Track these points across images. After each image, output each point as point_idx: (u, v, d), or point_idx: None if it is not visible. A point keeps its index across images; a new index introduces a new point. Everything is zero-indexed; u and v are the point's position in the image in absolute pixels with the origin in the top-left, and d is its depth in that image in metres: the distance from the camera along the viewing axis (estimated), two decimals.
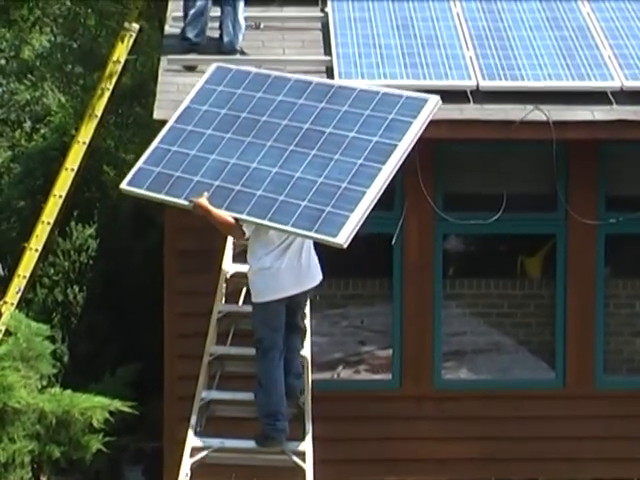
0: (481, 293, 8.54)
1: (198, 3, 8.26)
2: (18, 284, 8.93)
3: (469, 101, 7.98)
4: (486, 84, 8.03)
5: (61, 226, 10.09)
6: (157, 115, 7.80)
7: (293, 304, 6.53)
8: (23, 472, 8.39)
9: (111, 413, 8.45)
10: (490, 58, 8.24)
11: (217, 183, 6.30)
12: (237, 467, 6.81)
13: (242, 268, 6.95)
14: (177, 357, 8.11)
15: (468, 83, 8.03)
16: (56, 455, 8.40)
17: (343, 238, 5.74)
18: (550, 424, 8.29)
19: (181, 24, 8.53)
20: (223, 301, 7.17)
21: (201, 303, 7.55)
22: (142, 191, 6.61)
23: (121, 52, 9.22)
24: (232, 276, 7.28)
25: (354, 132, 6.12)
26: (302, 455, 6.43)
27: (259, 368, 6.47)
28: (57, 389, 8.74)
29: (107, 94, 9.19)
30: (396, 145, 5.95)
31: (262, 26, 8.87)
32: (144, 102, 12.43)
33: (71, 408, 8.28)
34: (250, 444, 6.50)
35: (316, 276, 6.54)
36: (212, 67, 7.02)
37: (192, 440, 6.46)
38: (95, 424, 8.33)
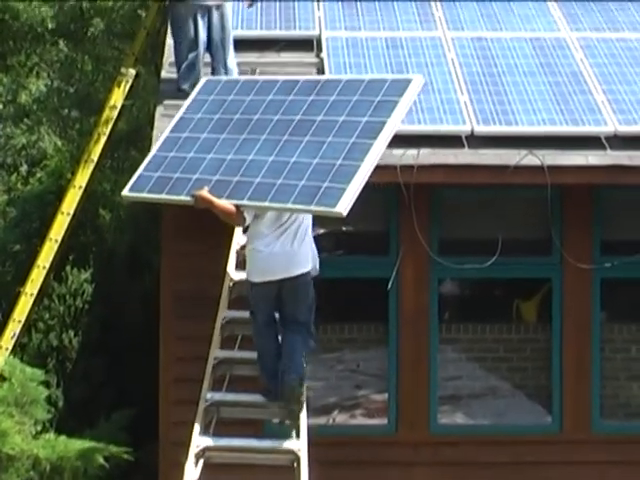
0: (477, 337, 8.54)
1: (190, 55, 8.29)
2: (13, 329, 8.90)
3: (464, 146, 8.03)
4: (481, 129, 8.08)
5: (56, 270, 10.06)
6: None
7: (285, 293, 6.63)
8: None
9: (106, 458, 8.39)
10: (484, 103, 8.30)
11: (216, 177, 6.50)
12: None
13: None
14: (172, 402, 8.08)
15: (463, 128, 8.08)
16: None
17: (342, 207, 5.91)
18: (547, 469, 8.25)
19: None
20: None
21: (197, 348, 7.53)
22: (144, 194, 6.79)
23: (117, 97, 9.26)
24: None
25: (344, 116, 6.34)
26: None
27: (254, 336, 6.84)
28: (51, 435, 8.69)
29: (103, 139, 9.22)
30: (385, 122, 6.15)
31: (258, 71, 8.93)
32: (140, 146, 12.47)
33: (66, 454, 8.23)
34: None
35: (306, 264, 6.63)
36: (202, 81, 7.32)
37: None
38: (90, 470, 8.27)
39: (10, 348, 8.88)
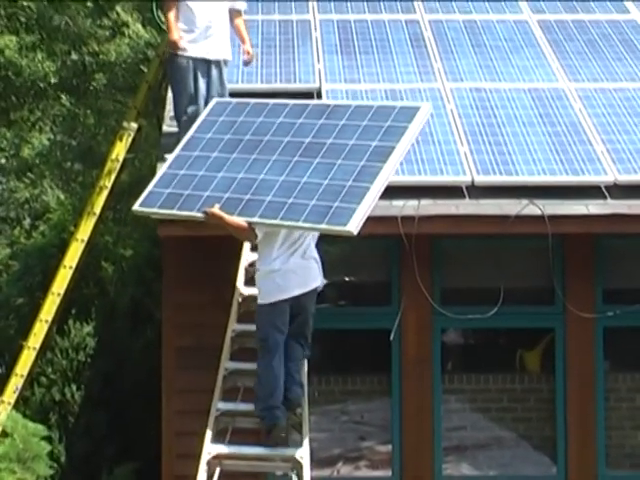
0: (480, 388, 8.51)
1: (190, 109, 8.33)
2: (15, 383, 8.88)
3: (464, 196, 8.05)
4: (481, 179, 8.11)
5: (59, 323, 10.07)
6: None
7: (297, 307, 6.82)
8: None
9: None
10: (484, 154, 8.33)
11: (227, 195, 6.70)
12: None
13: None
14: (175, 456, 8.04)
15: (463, 179, 8.11)
16: None
17: (353, 226, 6.13)
18: None
19: None
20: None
21: (199, 400, 7.52)
22: (155, 210, 6.97)
23: (120, 151, 9.31)
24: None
25: (354, 140, 6.55)
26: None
27: (261, 365, 6.83)
28: None
29: (106, 192, 9.26)
30: (394, 146, 6.38)
31: None
32: None
33: None
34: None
35: (317, 278, 6.87)
36: (212, 102, 7.51)
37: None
38: None
39: (12, 403, 8.85)
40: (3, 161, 14.48)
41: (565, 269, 8.34)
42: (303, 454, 6.74)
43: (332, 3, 10.51)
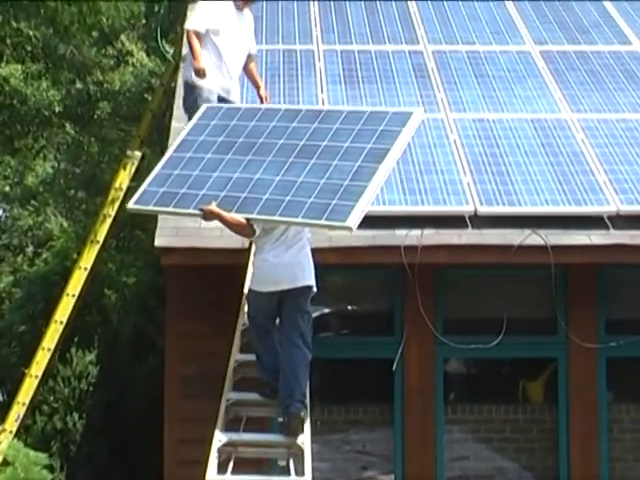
0: (483, 418, 8.49)
1: None
2: (17, 411, 8.88)
3: (467, 226, 8.06)
4: (484, 209, 8.13)
5: (61, 351, 10.08)
6: (158, 243, 7.89)
7: (289, 304, 6.81)
8: None
9: None
10: (487, 184, 8.35)
11: (224, 193, 6.74)
12: None
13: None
14: None
15: (466, 208, 8.13)
16: None
17: (352, 222, 6.19)
18: None
19: None
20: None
21: (202, 429, 7.49)
22: (150, 207, 6.96)
23: (123, 179, 9.36)
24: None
25: (348, 142, 6.65)
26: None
27: (255, 343, 7.01)
28: None
29: (109, 220, 9.30)
30: (389, 149, 6.49)
31: None
32: (145, 226, 12.56)
33: None
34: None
35: (311, 278, 6.87)
36: (202, 107, 7.49)
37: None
38: None
39: (14, 431, 8.84)
40: (7, 189, 14.52)
41: (568, 299, 8.34)
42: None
43: (336, 33, 10.57)
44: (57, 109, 12.53)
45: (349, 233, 6.48)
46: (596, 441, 8.27)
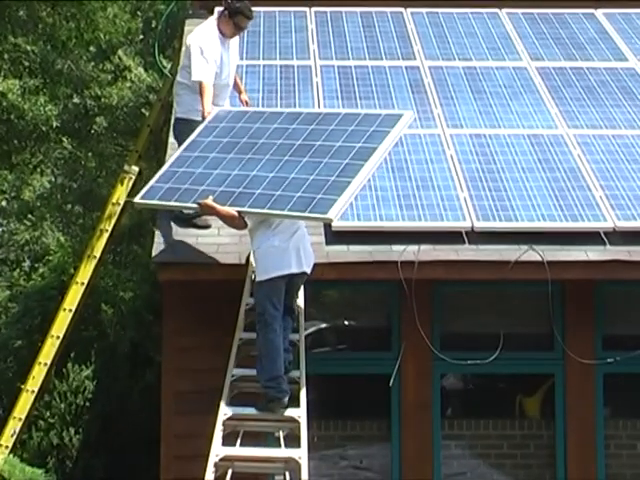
0: (480, 433, 8.48)
1: None
2: (13, 426, 8.85)
3: (464, 242, 8.07)
4: (481, 225, 8.14)
5: (58, 366, 10.05)
6: (155, 258, 7.90)
7: (291, 285, 7.27)
8: None
9: None
10: (484, 199, 8.37)
11: (221, 189, 7.29)
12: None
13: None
14: None
15: (463, 224, 8.14)
16: None
17: (333, 214, 6.72)
18: None
19: None
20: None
21: (198, 445, 7.48)
22: (154, 202, 7.57)
23: (120, 194, 9.35)
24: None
25: (340, 142, 7.18)
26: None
27: (262, 339, 7.22)
28: None
29: (106, 235, 9.28)
30: (376, 148, 7.00)
31: None
32: (142, 241, 12.57)
33: None
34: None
35: (311, 263, 7.35)
36: (214, 110, 8.02)
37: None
38: None
39: (10, 446, 8.82)
40: (4, 203, 14.51)
41: (565, 315, 8.34)
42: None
43: (333, 49, 10.60)
44: (54, 124, 12.54)
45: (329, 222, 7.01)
46: (593, 457, 8.25)
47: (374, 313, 8.78)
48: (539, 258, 7.89)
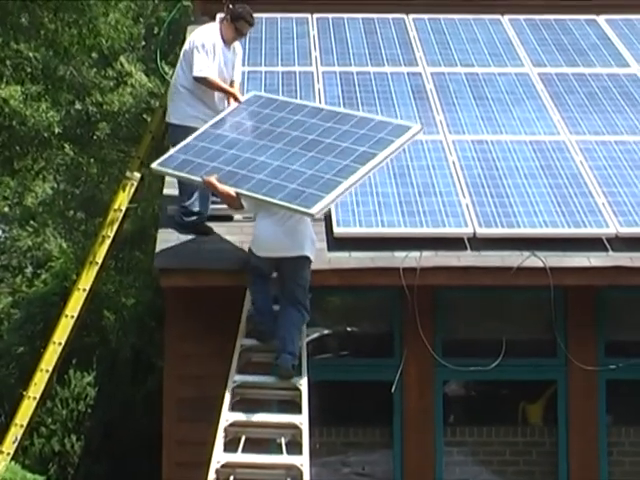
0: (482, 440, 8.46)
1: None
2: (15, 433, 8.83)
3: (466, 248, 8.06)
4: (483, 231, 8.13)
5: (60, 373, 10.04)
6: (157, 264, 7.92)
7: (285, 271, 7.47)
8: None
9: None
10: (486, 205, 8.36)
11: (229, 168, 7.64)
12: None
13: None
14: None
15: (465, 230, 8.13)
16: None
17: (315, 210, 7.05)
18: None
19: None
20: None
21: (200, 452, 7.47)
22: (169, 170, 7.92)
23: (122, 200, 9.33)
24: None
25: (348, 143, 7.51)
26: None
27: (250, 290, 7.66)
28: None
29: (108, 241, 9.26)
30: (376, 154, 7.31)
31: None
32: (144, 247, 12.57)
33: None
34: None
35: (304, 249, 7.47)
36: (250, 94, 8.48)
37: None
38: None
39: (12, 453, 8.80)
40: (6, 209, 14.52)
41: (567, 321, 8.33)
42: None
43: (335, 55, 10.60)
44: (56, 130, 12.54)
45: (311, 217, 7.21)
46: (596, 464, 8.24)
47: (376, 319, 8.77)
48: (541, 264, 7.88)
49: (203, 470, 7.12)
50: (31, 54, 12.82)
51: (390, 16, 11.27)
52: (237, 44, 8.59)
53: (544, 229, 8.13)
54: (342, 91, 9.91)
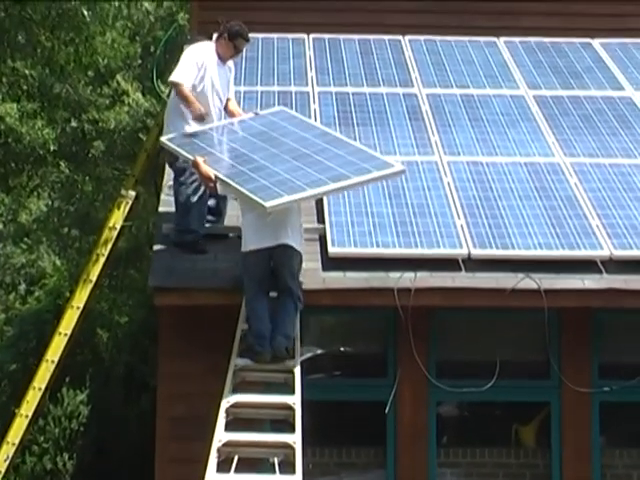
0: (476, 462, 8.45)
1: (193, 198, 8.37)
2: (7, 451, 8.80)
3: (461, 269, 8.07)
4: (477, 252, 8.14)
5: (52, 391, 10.02)
6: (151, 282, 7.91)
7: (275, 262, 7.59)
8: None
9: None
10: (481, 227, 8.37)
11: (220, 156, 8.04)
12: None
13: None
14: None
15: (460, 252, 8.14)
16: None
17: (270, 204, 7.34)
18: None
19: None
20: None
21: (193, 471, 7.44)
22: (173, 146, 8.20)
23: (117, 219, 9.33)
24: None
25: (332, 163, 7.79)
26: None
27: (246, 303, 7.70)
28: None
29: (102, 260, 9.26)
30: (350, 177, 7.62)
31: None
32: (139, 266, 12.55)
33: None
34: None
35: (292, 239, 7.64)
36: (277, 108, 9.00)
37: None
38: None
39: (3, 472, 8.76)
40: (0, 226, 14.50)
41: (561, 343, 8.34)
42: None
43: (331, 75, 10.63)
44: (52, 148, 12.56)
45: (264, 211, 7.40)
46: None
47: (370, 340, 8.76)
48: (535, 286, 7.89)
49: None
50: (27, 72, 12.85)
51: (386, 37, 11.33)
52: (230, 61, 8.62)
53: (538, 251, 8.14)
54: (338, 111, 9.94)
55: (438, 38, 11.31)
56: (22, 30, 13.05)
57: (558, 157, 9.35)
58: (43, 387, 8.97)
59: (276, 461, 7.26)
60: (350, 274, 8.00)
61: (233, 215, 8.57)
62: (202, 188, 8.22)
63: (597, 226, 8.41)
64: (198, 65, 8.31)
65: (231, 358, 7.60)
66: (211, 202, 8.48)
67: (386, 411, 8.20)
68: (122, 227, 9.51)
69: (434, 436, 8.29)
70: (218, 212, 8.58)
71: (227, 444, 7.26)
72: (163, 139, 8.36)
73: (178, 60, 8.56)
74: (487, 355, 8.27)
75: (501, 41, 11.36)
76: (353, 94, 10.28)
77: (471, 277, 8.01)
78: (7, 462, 8.79)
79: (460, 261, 8.11)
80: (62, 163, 13.49)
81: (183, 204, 8.28)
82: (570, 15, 11.41)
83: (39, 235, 13.71)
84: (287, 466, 7.23)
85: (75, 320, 9.13)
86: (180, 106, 8.31)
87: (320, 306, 7.81)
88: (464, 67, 10.83)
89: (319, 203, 8.79)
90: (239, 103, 9.26)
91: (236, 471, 7.19)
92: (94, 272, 9.24)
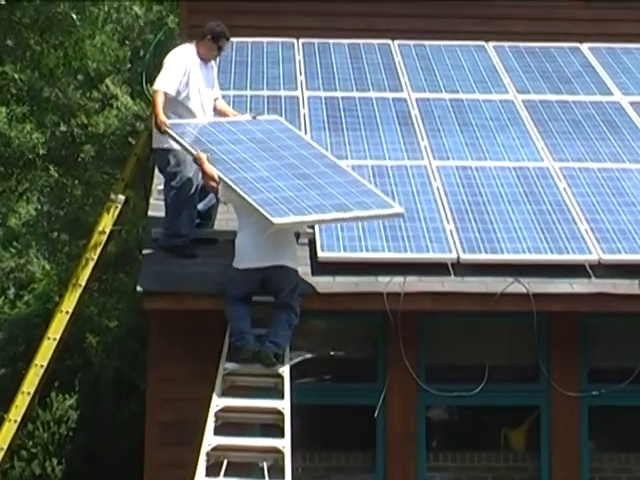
0: (465, 465, 8.46)
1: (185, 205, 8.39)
2: None
3: (450, 274, 8.09)
4: (466, 257, 8.16)
5: (41, 395, 9.98)
6: (141, 287, 7.89)
7: (274, 280, 7.58)
8: None
9: None
10: (470, 231, 8.39)
11: (222, 156, 7.99)
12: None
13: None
14: None
15: (449, 256, 8.16)
16: None
17: (277, 221, 7.34)
18: None
19: None
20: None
21: (182, 476, 7.44)
22: (176, 136, 8.13)
23: (106, 223, 9.32)
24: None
25: (334, 190, 7.82)
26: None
27: (226, 309, 7.68)
28: None
29: (91, 264, 9.24)
30: (351, 209, 7.66)
31: None
32: (128, 270, 12.54)
33: None
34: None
35: (288, 259, 7.65)
36: (272, 116, 9.01)
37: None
38: None
39: None
40: None
41: (550, 347, 8.35)
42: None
43: (320, 80, 10.65)
44: (41, 151, 12.54)
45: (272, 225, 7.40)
46: None
47: (360, 344, 8.77)
48: (524, 290, 7.91)
49: None
50: (17, 75, 12.83)
51: (376, 42, 11.35)
52: (212, 62, 8.67)
53: (527, 255, 8.16)
54: (327, 116, 9.96)
55: (427, 43, 11.34)
56: (11, 33, 13.04)
57: (547, 162, 9.38)
58: (32, 392, 8.94)
59: (265, 465, 7.27)
60: (340, 278, 8.01)
61: (223, 219, 8.58)
62: (192, 192, 8.22)
63: (586, 231, 8.44)
64: (181, 70, 8.33)
65: (220, 362, 7.60)
66: (200, 206, 8.48)
67: (375, 415, 8.21)
68: (112, 231, 9.50)
69: (423, 440, 8.30)
70: (208, 216, 8.59)
71: (216, 448, 7.26)
72: (170, 131, 8.18)
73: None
74: (476, 359, 8.28)
75: (490, 46, 11.39)
76: (343, 99, 10.30)
77: (460, 281, 8.03)
78: None
79: (449, 265, 8.13)
80: (51, 167, 13.47)
81: (173, 208, 8.28)
82: (559, 20, 11.45)
83: (28, 239, 13.69)
84: (276, 470, 7.23)
85: (64, 324, 9.11)
86: (168, 111, 8.31)
87: (310, 310, 7.81)
88: (453, 72, 10.86)
89: None
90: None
91: (225, 475, 7.20)
92: (83, 276, 9.22)
